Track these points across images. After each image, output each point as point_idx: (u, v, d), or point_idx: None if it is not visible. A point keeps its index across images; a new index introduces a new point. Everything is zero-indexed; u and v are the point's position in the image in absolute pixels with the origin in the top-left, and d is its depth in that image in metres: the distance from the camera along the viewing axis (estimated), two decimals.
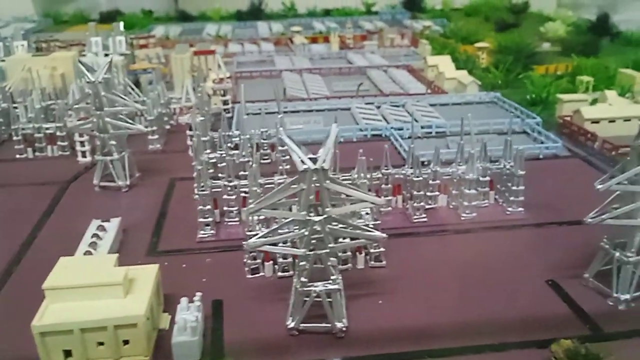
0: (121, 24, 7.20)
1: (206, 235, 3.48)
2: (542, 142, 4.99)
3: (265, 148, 4.70)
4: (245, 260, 3.07)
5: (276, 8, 15.45)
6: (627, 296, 2.77)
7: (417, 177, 3.61)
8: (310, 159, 2.37)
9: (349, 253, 3.12)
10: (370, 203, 2.51)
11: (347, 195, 2.49)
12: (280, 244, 2.58)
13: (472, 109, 6.29)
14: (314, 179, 2.35)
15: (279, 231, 2.52)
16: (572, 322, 2.70)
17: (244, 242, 2.52)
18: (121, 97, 4.15)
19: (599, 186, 2.61)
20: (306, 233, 2.44)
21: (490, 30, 11.38)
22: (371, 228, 2.80)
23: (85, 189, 4.28)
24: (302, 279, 2.52)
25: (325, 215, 2.42)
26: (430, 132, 5.34)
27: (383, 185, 3.72)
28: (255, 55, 9.37)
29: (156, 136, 5.06)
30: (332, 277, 2.53)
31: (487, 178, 3.80)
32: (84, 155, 4.81)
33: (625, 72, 6.70)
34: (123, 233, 3.53)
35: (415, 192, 3.64)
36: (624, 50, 9.16)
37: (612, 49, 9.53)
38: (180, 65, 7.02)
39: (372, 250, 3.15)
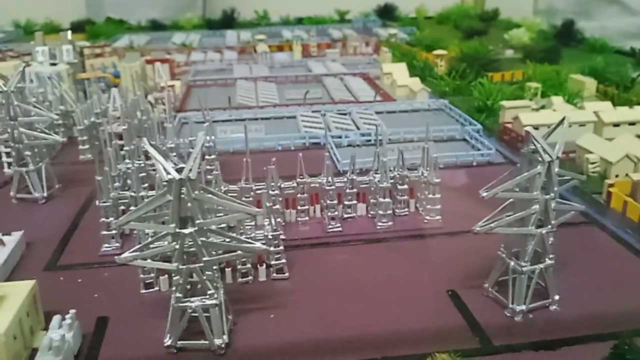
0: (69, 32, 7.09)
1: (110, 249, 3.38)
2: (478, 149, 4.94)
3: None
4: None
5: (250, 16, 15.47)
6: (523, 307, 2.69)
7: (330, 186, 3.53)
8: (177, 169, 2.29)
9: (248, 265, 3.04)
10: (245, 214, 2.42)
11: (224, 206, 2.42)
12: (152, 258, 2.48)
13: (420, 116, 6.26)
14: (182, 189, 2.27)
15: (152, 245, 2.43)
16: (464, 334, 2.62)
17: (115, 257, 2.43)
18: (37, 107, 4.05)
19: (484, 194, 2.54)
20: (177, 246, 2.35)
21: (458, 37, 11.39)
22: (254, 239, 2.72)
23: (3, 201, 4.16)
24: (177, 295, 2.43)
25: (196, 228, 2.33)
26: (370, 140, 5.28)
27: (299, 195, 3.65)
28: (216, 64, 9.29)
29: (87, 146, 4.96)
30: (209, 292, 2.44)
31: (405, 186, 3.74)
32: (10, 166, 4.70)
33: (575, 78, 6.69)
34: (27, 247, 3.43)
35: (328, 202, 3.56)
36: (587, 56, 9.17)
37: (574, 55, 9.55)
38: (129, 73, 6.95)
39: (273, 262, 3.06)
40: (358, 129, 5.57)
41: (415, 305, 2.85)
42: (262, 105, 6.51)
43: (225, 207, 2.38)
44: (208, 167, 4.49)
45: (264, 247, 2.50)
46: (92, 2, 15.32)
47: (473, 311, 2.77)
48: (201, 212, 2.33)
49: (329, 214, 3.57)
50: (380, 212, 3.61)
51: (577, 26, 12.32)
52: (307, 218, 3.70)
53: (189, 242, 2.34)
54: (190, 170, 2.26)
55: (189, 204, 2.29)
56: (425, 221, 3.68)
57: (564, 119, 2.65)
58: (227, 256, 2.47)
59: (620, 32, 12.73)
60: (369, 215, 3.75)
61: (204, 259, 2.38)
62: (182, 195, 2.29)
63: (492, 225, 2.58)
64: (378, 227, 3.61)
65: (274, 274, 3.08)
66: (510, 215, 2.62)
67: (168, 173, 2.25)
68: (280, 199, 3.59)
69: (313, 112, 6.13)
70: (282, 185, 3.58)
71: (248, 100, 6.76)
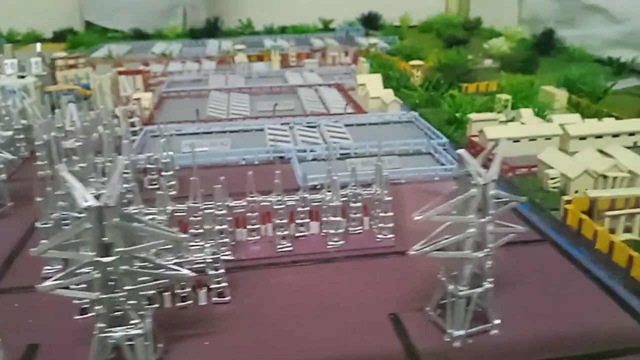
0: (38, 45, 7.05)
1: (52, 271, 3.30)
2: (442, 164, 4.90)
3: (153, 173, 4.55)
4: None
5: (234, 25, 15.45)
6: (462, 332, 2.64)
7: (280, 204, 3.47)
8: (97, 195, 2.23)
9: (188, 289, 2.97)
10: (170, 240, 2.36)
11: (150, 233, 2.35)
12: (75, 287, 2.41)
13: (389, 128, 6.22)
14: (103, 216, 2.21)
15: (75, 273, 2.36)
16: None
17: (36, 286, 2.35)
18: None
19: (417, 217, 2.48)
20: (98, 275, 2.28)
21: (439, 47, 11.39)
22: (193, 262, 2.65)
23: None
24: (100, 324, 2.36)
25: (117, 256, 2.26)
26: (335, 154, 5.22)
27: (249, 214, 3.58)
28: (192, 75, 9.23)
29: (45, 162, 4.88)
30: (132, 322, 2.37)
31: (359, 204, 3.68)
32: None
33: (546, 90, 6.67)
34: None
35: (277, 220, 3.50)
36: (566, 66, 9.18)
37: (553, 65, 9.56)
38: (100, 86, 6.88)
39: (212, 286, 2.99)
40: (325, 142, 5.52)
41: (356, 330, 2.79)
42: (231, 118, 6.45)
43: (148, 234, 2.32)
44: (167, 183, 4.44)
45: (191, 274, 2.43)
46: (82, 7, 15.23)
47: (412, 336, 2.71)
48: (124, 239, 2.27)
49: (279, 233, 3.51)
50: (332, 231, 3.55)
51: (559, 35, 12.37)
52: (258, 237, 3.64)
53: (110, 270, 2.28)
54: (110, 197, 2.20)
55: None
56: (378, 240, 3.62)
57: (498, 141, 2.59)
58: (151, 285, 2.40)
59: (604, 41, 12.77)
60: (322, 234, 3.69)
61: (126, 287, 2.31)
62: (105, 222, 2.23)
63: (427, 249, 2.53)
64: (328, 247, 3.55)
65: (215, 298, 3.01)
66: (447, 238, 2.57)
67: (85, 200, 2.19)
68: (230, 218, 3.53)
69: (282, 124, 6.08)
70: (231, 204, 3.53)
71: (218, 113, 6.70)
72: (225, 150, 5.34)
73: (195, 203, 3.46)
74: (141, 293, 2.40)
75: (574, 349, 2.61)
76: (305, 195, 3.60)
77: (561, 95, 6.46)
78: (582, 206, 3.82)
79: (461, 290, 2.59)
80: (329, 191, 3.59)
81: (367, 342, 2.69)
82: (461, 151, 2.51)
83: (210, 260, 2.92)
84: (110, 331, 2.36)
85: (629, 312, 2.87)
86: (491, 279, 2.65)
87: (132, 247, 2.29)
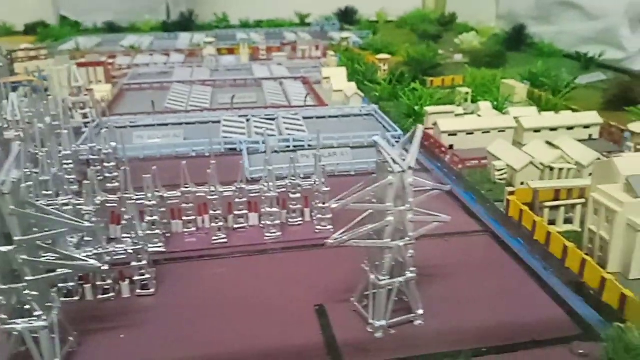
0: None
1: None
2: None
3: (97, 165, 4.44)
4: None
5: (209, 19, 15.29)
6: (383, 322, 2.59)
7: (214, 195, 3.39)
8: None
9: (109, 281, 2.88)
10: (73, 229, 2.27)
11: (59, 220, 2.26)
12: None
13: (349, 121, 6.16)
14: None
15: None
16: (319, 353, 2.51)
17: None
18: None
19: (334, 205, 2.43)
20: None
21: (413, 42, 11.34)
22: (114, 254, 2.57)
23: None
24: (1, 316, 2.27)
25: (14, 246, 2.17)
26: (289, 146, 5.16)
27: (184, 205, 3.50)
28: (159, 67, 9.10)
29: None
30: (36, 314, 2.28)
31: (298, 195, 3.62)
32: None
33: (507, 83, 6.66)
34: None
35: (212, 212, 3.42)
36: (535, 61, 9.18)
37: (522, 60, 9.57)
38: (57, 77, 6.74)
39: (137, 278, 2.91)
40: (281, 134, 5.45)
41: (280, 322, 2.72)
42: (188, 110, 6.35)
43: (49, 222, 2.23)
44: (107, 175, 4.35)
45: (97, 264, 2.35)
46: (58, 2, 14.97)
47: (335, 328, 2.65)
48: (23, 228, 2.18)
49: (213, 224, 3.43)
50: (268, 222, 3.48)
51: (536, 31, 12.40)
52: (194, 229, 3.56)
53: (9, 259, 2.19)
54: (2, 183, 2.11)
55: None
56: (317, 231, 3.56)
57: (416, 128, 2.54)
58: (53, 275, 2.31)
59: (579, 37, 12.82)
60: (261, 226, 3.62)
61: (26, 278, 2.22)
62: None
63: (344, 238, 2.47)
64: (266, 238, 3.49)
65: (139, 290, 2.93)
66: (369, 228, 2.51)
67: None
68: (163, 209, 3.45)
69: (240, 116, 6.00)
70: (165, 195, 3.45)
71: (177, 105, 6.59)
72: (175, 141, 5.24)
73: (126, 194, 3.37)
74: (45, 284, 2.31)
75: (498, 339, 2.57)
76: (243, 187, 3.53)
77: (521, 89, 6.45)
78: (525, 198, 3.80)
79: (382, 280, 2.54)
80: (268, 182, 3.52)
81: (289, 335, 2.63)
82: (376, 138, 2.45)
83: (131, 251, 2.83)
84: (14, 322, 2.28)
85: (557, 302, 2.85)
86: (413, 269, 2.60)
87: (30, 237, 2.20)
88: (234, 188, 3.52)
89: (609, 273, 3.07)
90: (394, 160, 2.39)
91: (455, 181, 4.37)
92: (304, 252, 3.38)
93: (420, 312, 2.66)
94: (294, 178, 3.60)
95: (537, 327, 2.65)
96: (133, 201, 3.03)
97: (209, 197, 3.39)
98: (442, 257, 3.27)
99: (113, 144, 4.34)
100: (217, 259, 3.31)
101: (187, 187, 3.47)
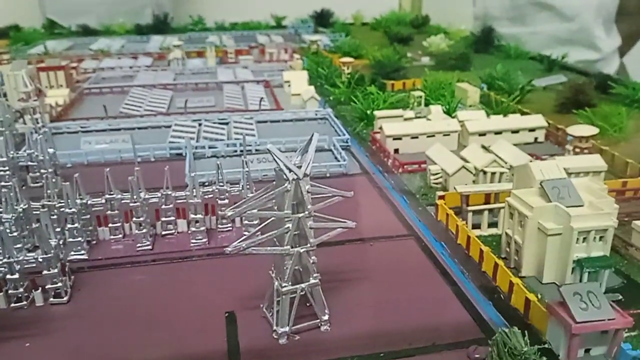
0: None
1: None
2: (338, 160, 4.88)
3: (35, 171, 4.43)
4: None
5: (184, 22, 15.25)
6: (287, 329, 2.61)
7: (135, 202, 3.39)
8: None
9: (20, 290, 2.88)
10: None
11: None
12: None
13: (303, 125, 6.18)
14: None
15: None
16: None
17: None
18: None
19: (229, 213, 2.44)
20: None
21: (385, 44, 11.38)
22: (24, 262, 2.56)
23: None
24: None
25: None
26: (235, 151, 5.17)
27: (109, 212, 3.50)
28: (125, 71, 9.07)
29: None
30: None
31: (226, 201, 3.63)
32: None
33: (460, 86, 6.71)
34: None
35: (135, 219, 3.43)
36: (501, 63, 9.27)
37: (489, 62, 9.63)
38: (13, 82, 6.70)
39: (49, 286, 2.91)
40: (229, 138, 5.46)
41: (188, 330, 2.73)
42: (142, 115, 6.35)
43: None
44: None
45: None
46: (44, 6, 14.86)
47: (241, 335, 2.67)
48: None
49: (137, 231, 3.43)
50: (193, 228, 3.49)
51: (509, 32, 12.49)
52: (120, 236, 3.56)
53: None
54: None
55: None
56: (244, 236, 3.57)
57: (313, 135, 2.56)
58: None
59: (554, 38, 12.94)
60: (189, 232, 3.63)
61: None
62: None
63: (243, 245, 2.49)
64: (192, 245, 3.50)
65: (52, 299, 2.93)
66: (267, 235, 2.53)
67: None
68: (88, 216, 3.45)
69: (193, 121, 6.00)
70: (90, 202, 3.45)
71: (133, 109, 6.58)
72: (121, 147, 5.23)
73: (49, 201, 3.37)
74: None
75: (401, 343, 2.60)
76: (169, 193, 3.53)
77: (473, 92, 6.50)
78: (455, 202, 3.84)
79: (284, 287, 2.56)
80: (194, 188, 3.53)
81: (193, 342, 2.64)
82: (269, 146, 2.47)
83: (41, 260, 2.83)
84: None
85: (466, 306, 2.88)
86: (317, 275, 2.63)
87: None
88: (159, 194, 3.53)
89: (522, 277, 3.13)
90: (288, 168, 2.41)
91: (393, 185, 4.40)
92: (227, 258, 3.33)
93: (325, 317, 2.68)
94: (222, 184, 3.61)
95: (442, 331, 2.68)
96: (70, 208, 3.03)
97: (131, 204, 3.39)
98: (362, 262, 3.31)
99: (51, 150, 4.32)
100: (140, 266, 3.31)
101: (111, 194, 3.47)
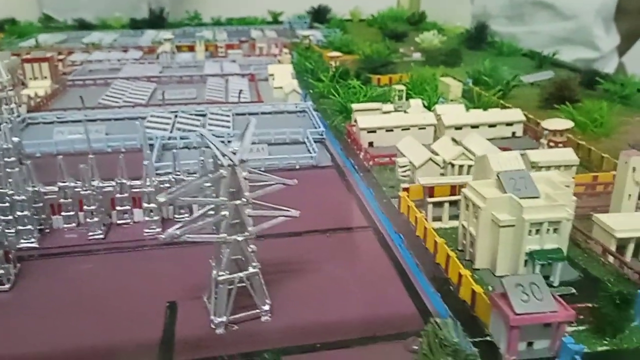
0: None
1: None
2: (310, 152, 4.82)
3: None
4: None
5: (181, 17, 15.23)
6: (224, 319, 2.55)
7: (86, 190, 3.35)
8: None
9: None
10: None
11: None
12: None
13: (283, 118, 6.12)
14: None
15: None
16: (152, 350, 2.46)
17: None
18: None
19: (162, 199, 2.38)
20: None
21: (376, 40, 11.30)
22: None
23: None
24: None
25: None
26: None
27: (62, 200, 3.46)
28: (112, 64, 9.04)
29: None
30: None
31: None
32: None
33: (443, 81, 6.63)
34: None
35: (86, 207, 3.38)
36: (493, 59, 9.15)
37: (481, 58, 9.52)
38: None
39: None
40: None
41: (127, 319, 2.68)
42: (121, 106, 6.31)
43: None
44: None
45: None
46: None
47: (179, 324, 2.61)
48: None
49: (89, 220, 3.39)
50: (147, 218, 3.44)
51: (508, 31, 12.39)
52: (74, 224, 3.52)
53: None
54: None
55: None
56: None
57: (249, 123, 2.50)
58: None
59: (553, 37, 12.82)
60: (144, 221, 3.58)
61: None
62: None
63: (178, 232, 2.44)
64: (145, 234, 3.45)
65: None
66: (203, 222, 2.48)
67: None
68: (41, 204, 3.41)
69: (171, 112, 5.95)
70: (42, 190, 3.40)
71: (112, 101, 6.54)
72: (102, 136, 5.19)
73: (2, 189, 3.33)
74: None
75: (340, 334, 2.54)
76: (124, 182, 3.48)
77: (455, 87, 6.42)
78: (420, 195, 3.77)
79: (221, 276, 2.51)
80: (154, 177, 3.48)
81: (129, 332, 2.59)
82: (202, 131, 2.42)
83: None
84: None
85: (413, 298, 2.81)
86: (255, 264, 2.57)
87: None
88: (113, 183, 3.48)
89: (477, 269, 3.06)
90: (223, 154, 2.35)
91: (362, 178, 4.34)
92: (178, 248, 3.30)
93: (266, 308, 2.63)
94: (178, 173, 3.56)
95: (385, 322, 2.62)
96: (19, 196, 2.99)
97: (82, 192, 3.35)
98: (316, 253, 3.24)
99: (15, 139, 4.28)
100: (90, 255, 3.26)
101: (64, 182, 3.43)
